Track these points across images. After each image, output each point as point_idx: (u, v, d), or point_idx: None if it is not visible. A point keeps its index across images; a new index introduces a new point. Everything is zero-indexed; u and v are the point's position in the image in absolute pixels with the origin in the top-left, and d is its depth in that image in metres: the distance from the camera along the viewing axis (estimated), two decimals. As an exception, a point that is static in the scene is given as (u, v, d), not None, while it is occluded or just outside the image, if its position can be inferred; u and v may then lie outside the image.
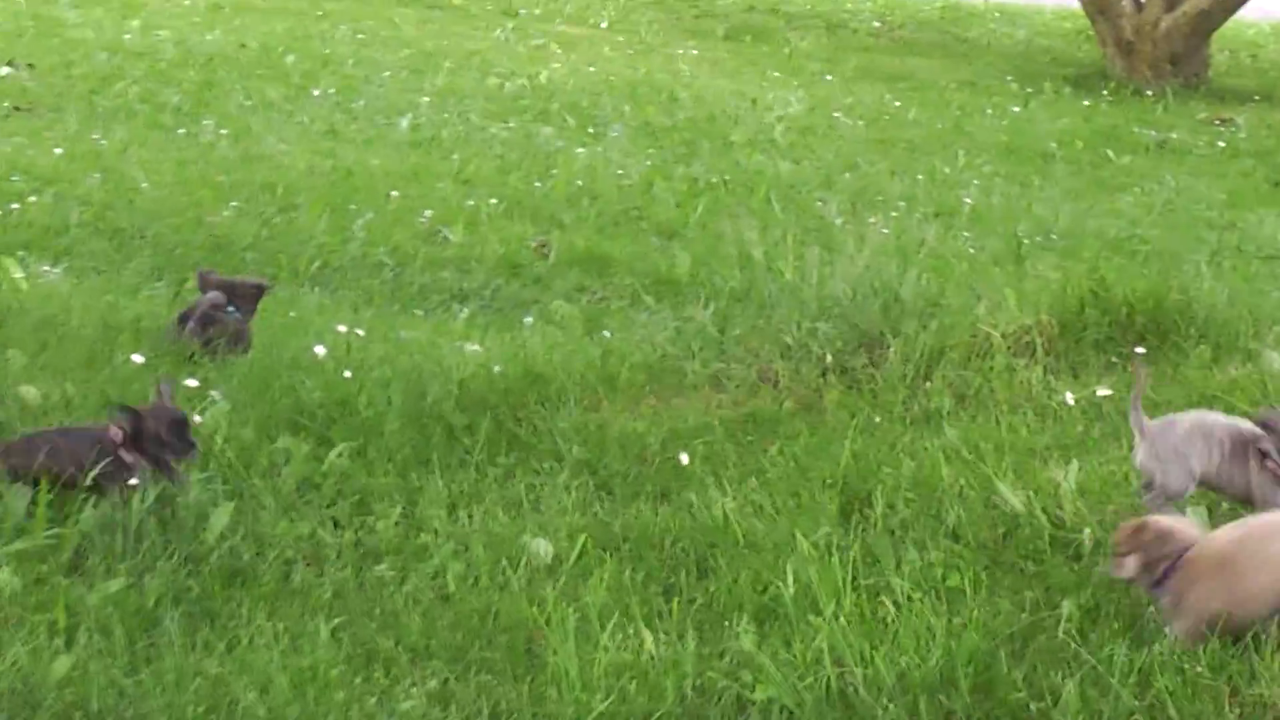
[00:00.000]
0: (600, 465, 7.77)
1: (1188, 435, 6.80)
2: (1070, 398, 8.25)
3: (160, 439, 7.05)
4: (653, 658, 5.96)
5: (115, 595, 6.20)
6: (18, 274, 10.22)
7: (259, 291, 9.50)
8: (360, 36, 23.53)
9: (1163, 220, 15.21)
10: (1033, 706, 5.60)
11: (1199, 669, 5.64)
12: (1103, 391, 8.23)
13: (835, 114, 20.36)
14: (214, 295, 9.44)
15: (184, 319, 9.34)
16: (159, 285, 11.18)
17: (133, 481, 6.88)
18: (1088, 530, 6.72)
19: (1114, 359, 8.84)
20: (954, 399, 8.37)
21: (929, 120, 20.43)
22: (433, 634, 6.17)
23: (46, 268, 11.37)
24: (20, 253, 11.39)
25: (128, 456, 7.01)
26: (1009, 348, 8.68)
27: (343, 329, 9.47)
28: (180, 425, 7.14)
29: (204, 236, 12.68)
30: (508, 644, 6.13)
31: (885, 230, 11.77)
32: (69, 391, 8.25)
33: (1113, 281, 9.24)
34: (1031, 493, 7.05)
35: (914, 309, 8.83)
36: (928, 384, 8.50)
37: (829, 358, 8.63)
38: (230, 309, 9.33)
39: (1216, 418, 6.97)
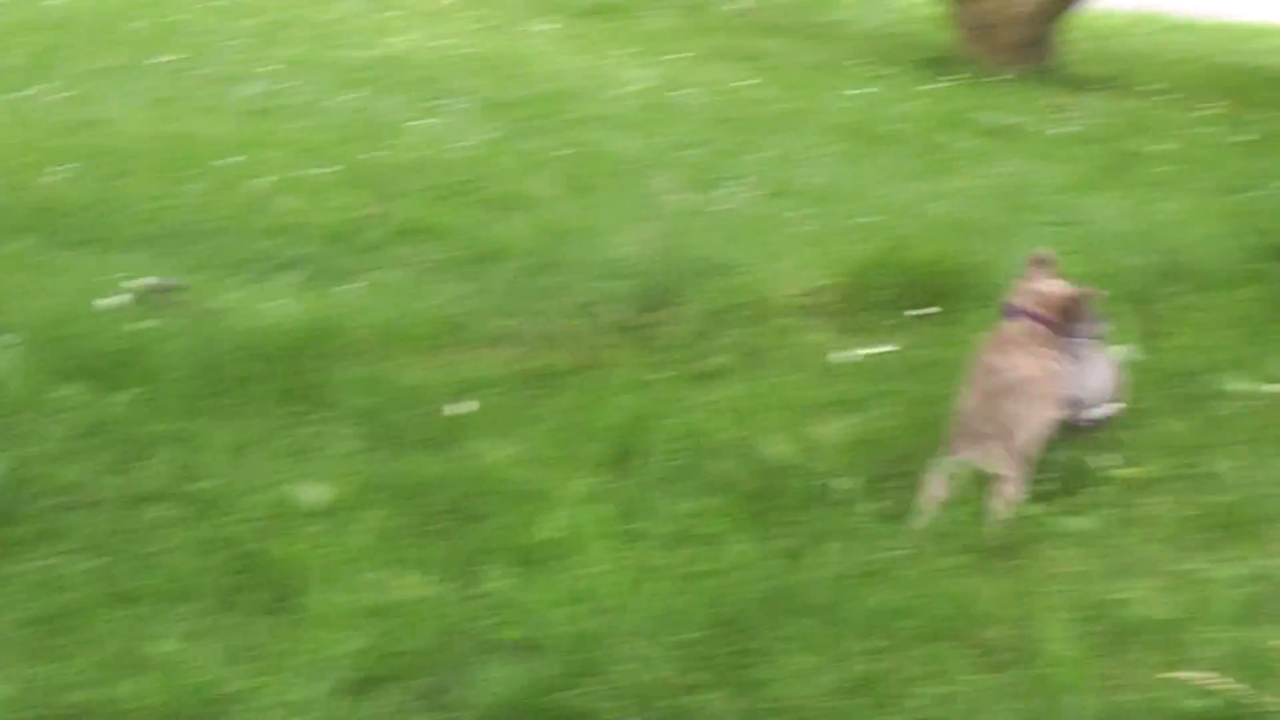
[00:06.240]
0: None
1: None
2: (860, 353, 8.42)
3: None
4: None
5: None
6: None
7: None
8: (210, 2, 23.29)
9: (993, 201, 15.29)
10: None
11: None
12: (885, 348, 8.40)
13: (685, 90, 20.38)
14: None
15: None
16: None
17: None
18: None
19: (903, 319, 8.99)
20: (740, 357, 8.48)
21: (777, 100, 20.46)
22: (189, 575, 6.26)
23: None
24: None
25: None
26: (801, 307, 8.83)
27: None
28: None
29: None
30: (269, 582, 6.23)
31: (727, 206, 11.85)
32: None
33: (909, 245, 9.39)
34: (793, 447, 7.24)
35: (707, 270, 8.95)
36: (711, 343, 8.61)
37: (616, 316, 8.73)
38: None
39: None
